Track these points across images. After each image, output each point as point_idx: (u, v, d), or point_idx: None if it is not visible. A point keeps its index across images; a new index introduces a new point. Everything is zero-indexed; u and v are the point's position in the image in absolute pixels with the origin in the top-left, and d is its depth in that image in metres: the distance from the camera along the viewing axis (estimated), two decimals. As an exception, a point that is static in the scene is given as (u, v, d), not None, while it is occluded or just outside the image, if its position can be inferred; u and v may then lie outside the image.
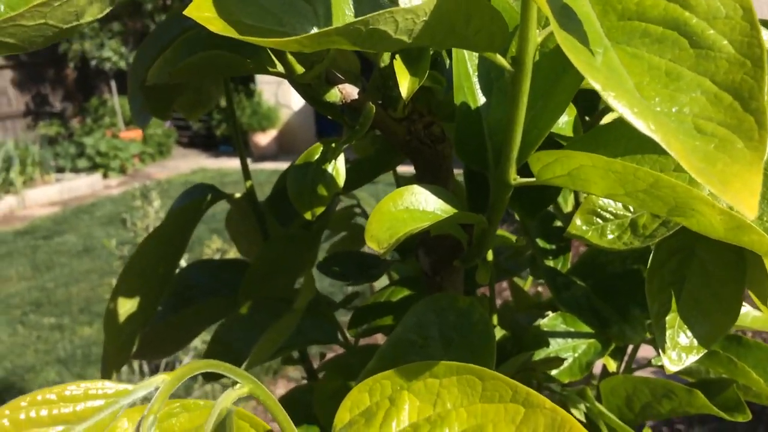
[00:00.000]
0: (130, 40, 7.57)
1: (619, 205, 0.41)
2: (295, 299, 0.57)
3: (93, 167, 7.07)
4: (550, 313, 0.60)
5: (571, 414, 0.49)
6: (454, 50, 0.38)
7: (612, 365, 0.58)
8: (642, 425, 0.63)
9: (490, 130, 0.38)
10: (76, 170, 7.02)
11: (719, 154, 0.22)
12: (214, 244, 2.82)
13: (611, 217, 0.41)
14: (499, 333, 0.59)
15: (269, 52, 0.36)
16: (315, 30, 0.27)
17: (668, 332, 0.40)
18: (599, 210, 0.41)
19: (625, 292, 0.50)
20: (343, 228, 0.78)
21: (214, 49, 0.36)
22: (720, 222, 0.26)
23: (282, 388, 2.74)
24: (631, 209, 0.41)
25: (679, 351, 0.40)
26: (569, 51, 0.21)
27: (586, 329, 0.55)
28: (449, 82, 0.44)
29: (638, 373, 0.58)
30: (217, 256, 2.62)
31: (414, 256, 0.49)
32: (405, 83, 0.36)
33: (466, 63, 0.39)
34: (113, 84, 7.84)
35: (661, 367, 0.61)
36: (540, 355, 0.54)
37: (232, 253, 2.72)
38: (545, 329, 0.55)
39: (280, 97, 7.94)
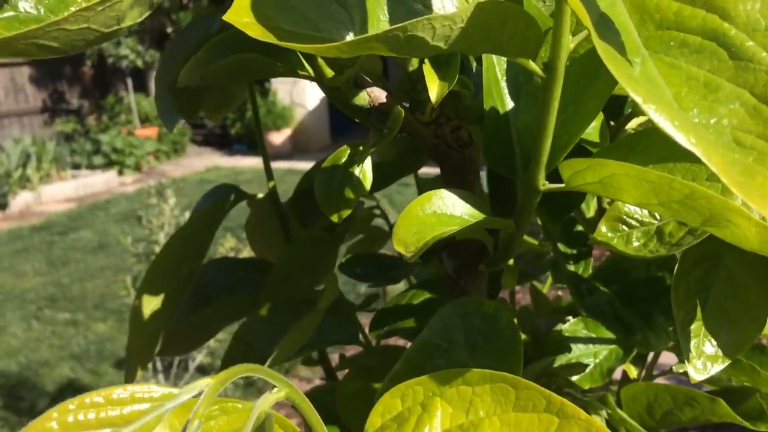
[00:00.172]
0: (147, 39, 7.63)
1: (645, 212, 0.41)
2: (316, 300, 0.57)
3: (108, 164, 7.13)
4: (571, 318, 0.60)
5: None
6: (484, 55, 0.38)
7: (633, 372, 0.58)
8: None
9: (518, 135, 0.38)
10: (91, 167, 7.08)
11: (758, 168, 0.22)
12: (228, 243, 2.84)
13: (637, 225, 0.41)
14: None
15: (299, 55, 0.36)
16: (350, 35, 0.27)
17: (693, 341, 0.40)
18: (625, 217, 0.41)
19: (649, 299, 0.49)
20: (361, 230, 0.78)
21: (246, 52, 0.36)
22: (755, 234, 0.26)
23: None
24: (658, 217, 0.41)
25: (705, 360, 0.40)
26: (609, 62, 0.21)
27: (608, 335, 0.55)
28: (476, 86, 0.44)
29: (658, 381, 0.58)
30: (231, 255, 2.63)
31: (437, 259, 0.49)
32: (434, 87, 0.36)
33: (494, 67, 0.39)
34: (129, 82, 7.89)
35: (683, 374, 0.60)
36: (561, 360, 0.54)
37: (246, 252, 2.73)
38: (566, 334, 0.55)
39: (294, 96, 7.96)
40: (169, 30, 7.30)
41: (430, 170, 0.65)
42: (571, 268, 0.57)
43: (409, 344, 0.62)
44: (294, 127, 7.99)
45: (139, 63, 7.62)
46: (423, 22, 0.23)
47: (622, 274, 0.53)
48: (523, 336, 0.60)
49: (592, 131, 0.43)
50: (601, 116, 0.44)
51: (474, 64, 0.45)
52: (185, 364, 2.58)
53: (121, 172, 7.13)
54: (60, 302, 3.86)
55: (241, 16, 0.25)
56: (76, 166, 7.04)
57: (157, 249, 2.64)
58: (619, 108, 0.54)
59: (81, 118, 7.78)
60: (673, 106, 0.23)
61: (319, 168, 0.65)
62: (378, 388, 0.53)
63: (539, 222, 0.57)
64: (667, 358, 0.58)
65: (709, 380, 0.57)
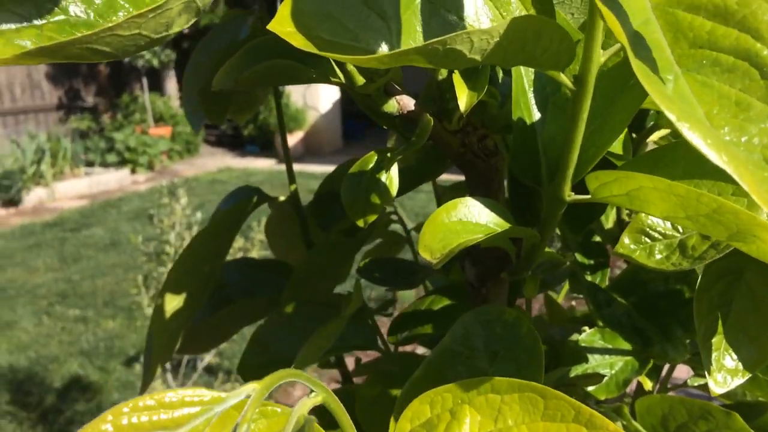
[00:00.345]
0: (163, 39, 7.66)
1: (668, 225, 0.41)
2: (335, 304, 0.58)
3: (122, 162, 7.17)
4: (587, 329, 0.61)
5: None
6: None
7: (648, 384, 0.58)
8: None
9: (544, 146, 0.39)
10: (105, 165, 7.12)
11: (789, 186, 0.22)
12: (236, 243, 2.85)
13: (660, 237, 0.41)
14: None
15: (332, 62, 0.37)
16: (387, 45, 0.28)
17: (714, 354, 0.40)
18: (648, 229, 0.42)
19: (668, 312, 0.50)
20: (379, 235, 0.78)
21: (279, 58, 0.37)
22: (782, 249, 0.26)
23: (299, 390, 2.75)
24: (680, 230, 0.41)
25: (725, 373, 0.40)
26: (644, 79, 0.22)
27: (625, 346, 0.55)
28: (502, 96, 0.45)
29: (673, 393, 0.58)
30: (239, 255, 2.64)
31: (459, 266, 0.50)
32: (464, 97, 0.37)
33: (522, 78, 0.39)
34: (145, 81, 7.94)
35: (697, 387, 0.61)
36: (577, 370, 0.54)
37: (255, 252, 2.75)
38: (583, 344, 0.56)
39: (308, 98, 7.99)
40: (185, 30, 7.34)
41: (449, 177, 0.66)
42: (589, 278, 0.58)
43: (426, 350, 0.63)
44: (306, 129, 8.01)
45: (155, 63, 7.67)
46: (462, 36, 0.24)
47: (640, 285, 0.53)
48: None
49: (616, 143, 0.44)
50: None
51: (500, 74, 0.46)
52: (194, 363, 2.59)
53: (134, 171, 7.18)
54: (71, 298, 3.89)
55: (284, 25, 0.25)
56: (90, 164, 7.09)
57: (168, 248, 2.65)
58: (641, 121, 0.54)
59: (96, 115, 7.84)
60: (705, 124, 0.23)
61: (339, 173, 0.66)
62: (396, 393, 0.53)
63: (557, 232, 0.57)
64: (681, 371, 0.58)
65: (724, 394, 0.58)
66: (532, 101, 0.39)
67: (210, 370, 2.81)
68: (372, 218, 0.41)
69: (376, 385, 0.51)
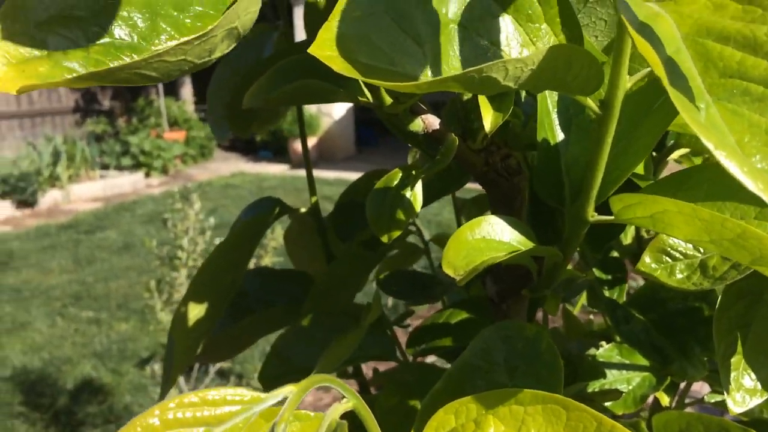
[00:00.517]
0: (179, 44, 7.72)
1: (689, 245, 0.42)
2: (354, 314, 0.58)
3: (136, 166, 7.23)
4: (604, 344, 0.61)
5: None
6: (537, 88, 0.39)
7: (665, 399, 0.58)
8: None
9: (567, 167, 0.39)
10: (119, 168, 7.18)
11: (817, 214, 0.23)
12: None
13: (681, 257, 0.42)
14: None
15: (360, 82, 0.38)
16: (423, 70, 0.29)
17: (733, 374, 0.41)
18: (669, 249, 0.42)
19: (687, 329, 0.50)
20: (396, 246, 0.79)
21: (307, 78, 0.38)
22: (806, 276, 0.27)
23: (310, 396, 2.76)
24: (701, 250, 0.42)
25: (744, 393, 0.41)
26: (681, 108, 0.22)
27: (642, 362, 0.55)
28: (525, 115, 0.46)
29: (689, 410, 0.58)
30: (252, 261, 2.65)
31: (480, 282, 0.50)
32: (489, 118, 0.37)
33: (547, 100, 0.40)
34: (160, 86, 8.00)
35: (714, 404, 0.61)
36: (594, 385, 0.55)
37: (267, 259, 2.76)
38: (601, 360, 0.56)
39: (321, 105, 8.01)
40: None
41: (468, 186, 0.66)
42: (607, 293, 0.58)
43: (443, 361, 0.63)
44: (320, 135, 8.04)
45: (171, 67, 7.71)
46: (498, 65, 0.24)
47: (659, 303, 0.53)
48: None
49: (638, 163, 0.44)
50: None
51: (523, 93, 0.47)
52: (206, 367, 2.61)
53: (148, 174, 7.23)
54: (84, 300, 3.92)
55: (324, 49, 0.26)
56: (105, 167, 7.15)
57: (180, 253, 2.67)
58: (661, 139, 0.55)
59: (112, 119, 7.91)
60: (739, 151, 0.24)
61: (357, 185, 0.67)
62: (413, 403, 0.54)
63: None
64: (699, 386, 0.58)
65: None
66: (556, 122, 0.40)
67: (222, 374, 2.83)
68: (396, 234, 0.42)
69: (394, 394, 0.52)
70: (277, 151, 8.27)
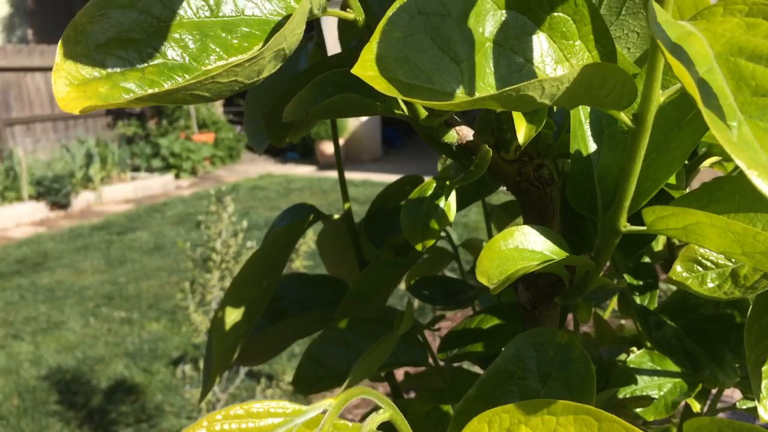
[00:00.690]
0: (209, 47, 7.81)
1: (721, 254, 0.42)
2: (386, 319, 0.59)
3: (166, 167, 7.33)
4: (635, 349, 0.61)
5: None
6: (570, 100, 0.40)
7: (696, 406, 0.59)
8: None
9: (599, 177, 0.40)
10: (150, 170, 7.29)
11: None
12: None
13: (712, 266, 0.42)
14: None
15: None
16: (459, 87, 0.30)
17: (764, 382, 0.41)
18: (700, 258, 0.43)
19: (717, 336, 0.50)
20: (426, 251, 0.80)
21: (345, 91, 0.39)
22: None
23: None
24: (732, 259, 0.42)
25: (776, 401, 0.41)
26: (714, 127, 0.23)
27: (673, 368, 0.56)
28: (557, 125, 0.46)
29: (721, 416, 0.59)
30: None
31: (512, 288, 0.51)
32: (522, 129, 0.38)
33: (579, 111, 0.40)
34: (190, 88, 8.09)
35: (746, 410, 0.61)
36: (626, 391, 0.55)
37: (298, 262, 2.78)
38: (632, 365, 0.56)
39: (349, 107, 8.03)
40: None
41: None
42: (638, 299, 0.59)
43: (474, 366, 0.64)
44: (346, 137, 8.08)
45: (200, 70, 7.80)
46: (534, 84, 0.25)
47: (690, 309, 0.53)
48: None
49: (669, 172, 0.45)
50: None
51: (555, 103, 0.47)
52: (237, 368, 2.64)
53: (177, 176, 7.33)
54: (116, 300, 3.99)
55: (366, 69, 0.27)
56: (136, 169, 7.26)
57: (214, 256, 2.70)
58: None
59: (142, 121, 8.02)
60: (768, 169, 0.24)
61: (389, 192, 0.68)
62: (446, 409, 0.55)
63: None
64: (730, 392, 0.58)
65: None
66: (588, 133, 0.40)
67: (252, 375, 2.86)
68: (430, 243, 0.43)
69: (427, 401, 0.53)
70: (304, 153, 8.33)
